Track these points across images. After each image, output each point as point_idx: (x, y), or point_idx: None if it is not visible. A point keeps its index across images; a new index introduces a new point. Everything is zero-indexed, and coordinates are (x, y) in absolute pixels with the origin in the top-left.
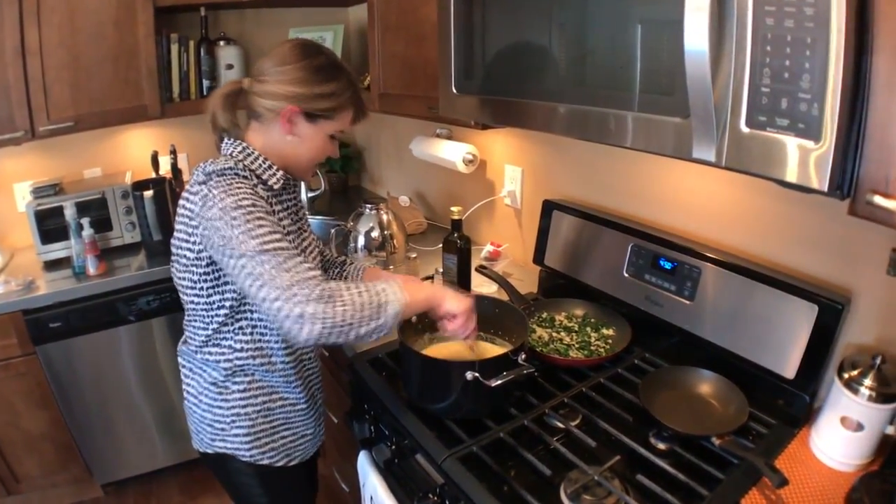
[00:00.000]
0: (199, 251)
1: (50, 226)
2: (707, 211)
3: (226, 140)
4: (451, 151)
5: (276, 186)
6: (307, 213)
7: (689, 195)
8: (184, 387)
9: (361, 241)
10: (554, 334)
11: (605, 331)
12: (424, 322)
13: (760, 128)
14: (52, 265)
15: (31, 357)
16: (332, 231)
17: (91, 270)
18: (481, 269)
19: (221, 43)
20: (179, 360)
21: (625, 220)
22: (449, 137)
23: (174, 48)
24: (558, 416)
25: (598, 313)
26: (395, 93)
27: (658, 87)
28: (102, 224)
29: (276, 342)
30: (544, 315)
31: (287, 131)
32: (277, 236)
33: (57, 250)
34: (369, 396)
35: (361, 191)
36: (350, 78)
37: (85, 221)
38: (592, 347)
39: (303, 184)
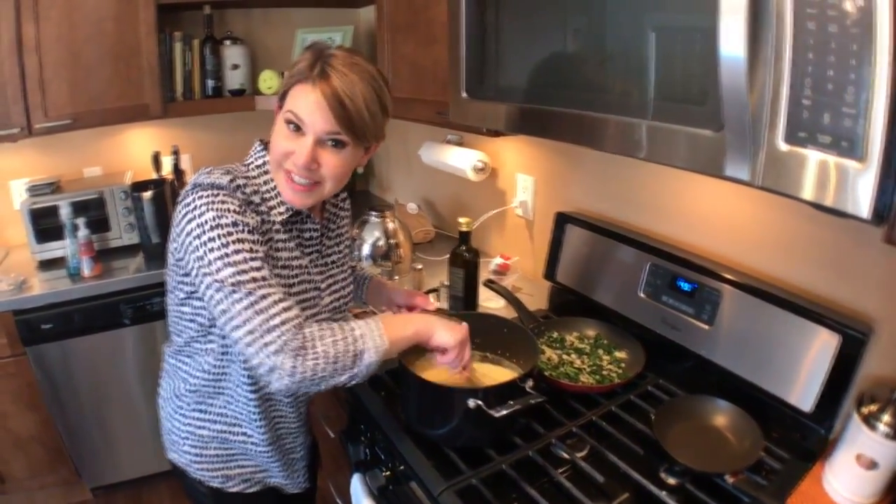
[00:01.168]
0: (179, 259)
1: (45, 225)
2: (728, 229)
3: (256, 145)
4: (461, 159)
5: (277, 218)
6: (344, 247)
7: (709, 211)
8: (158, 387)
9: (366, 249)
10: (564, 356)
11: (617, 353)
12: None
13: (800, 144)
14: (47, 265)
15: (21, 358)
16: None
17: (86, 272)
18: (489, 284)
19: (227, 42)
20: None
21: (642, 237)
22: (460, 144)
23: (177, 46)
24: (565, 446)
25: (610, 334)
26: (403, 96)
27: (687, 96)
28: (100, 224)
29: (242, 375)
30: (554, 335)
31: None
32: (257, 263)
33: (52, 250)
34: (365, 417)
35: (369, 196)
36: (323, 55)
37: (80, 222)
38: (604, 372)
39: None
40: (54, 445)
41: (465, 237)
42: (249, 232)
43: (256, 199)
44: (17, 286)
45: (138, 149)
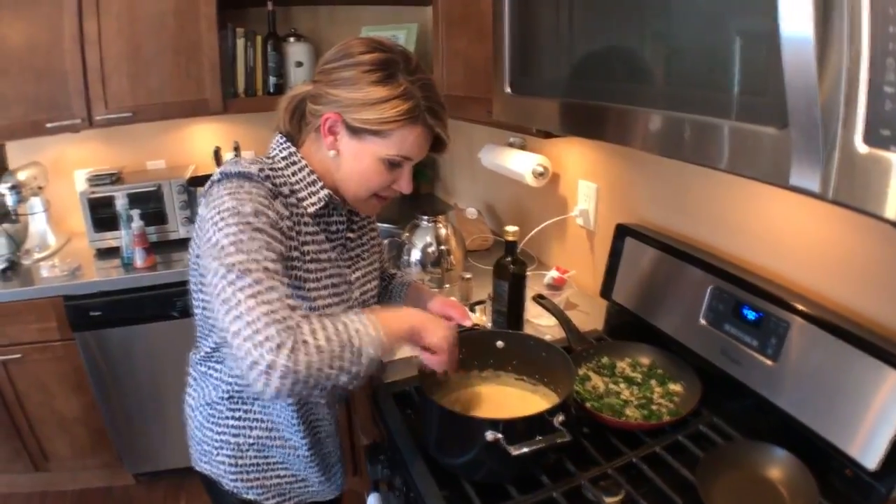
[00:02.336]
0: (198, 256)
1: (102, 214)
2: (802, 250)
3: (277, 137)
4: (521, 162)
5: (309, 210)
6: (368, 239)
7: (781, 228)
8: (185, 395)
9: (416, 255)
10: (612, 385)
11: (671, 386)
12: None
13: (882, 146)
14: (103, 253)
15: (69, 342)
16: (386, 242)
17: (138, 262)
18: (538, 300)
19: (291, 39)
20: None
21: (706, 256)
22: (522, 147)
23: (240, 43)
24: (597, 489)
25: (666, 364)
26: (456, 94)
27: (744, 84)
28: (158, 217)
29: None
30: (604, 360)
31: (329, 144)
32: (272, 255)
33: (108, 239)
34: (386, 435)
35: (434, 199)
36: (418, 84)
37: (135, 213)
38: (654, 406)
39: None
40: (98, 429)
41: (511, 247)
42: (271, 225)
43: (285, 190)
44: (70, 272)
45: (202, 143)
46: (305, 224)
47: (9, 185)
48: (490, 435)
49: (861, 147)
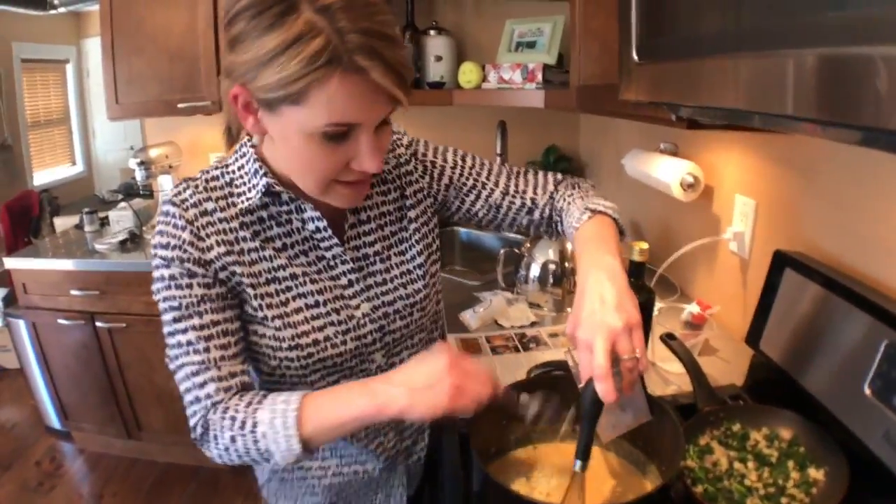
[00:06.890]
0: None
1: None
2: None
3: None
4: (668, 171)
5: (243, 204)
6: (395, 229)
7: None
8: None
9: (535, 270)
10: (738, 464)
11: (812, 472)
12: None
13: None
14: None
15: None
16: (501, 252)
17: None
18: (667, 339)
19: (431, 32)
20: None
21: (884, 300)
22: (673, 153)
23: None
24: None
25: (811, 441)
26: (591, 83)
27: None
28: None
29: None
30: (736, 427)
31: (251, 127)
32: (194, 308)
33: None
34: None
35: None
36: (332, 9)
37: None
38: (784, 500)
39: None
40: None
41: (638, 270)
42: (194, 262)
43: (223, 203)
44: None
45: None
46: (243, 240)
47: (138, 160)
48: None
49: None
